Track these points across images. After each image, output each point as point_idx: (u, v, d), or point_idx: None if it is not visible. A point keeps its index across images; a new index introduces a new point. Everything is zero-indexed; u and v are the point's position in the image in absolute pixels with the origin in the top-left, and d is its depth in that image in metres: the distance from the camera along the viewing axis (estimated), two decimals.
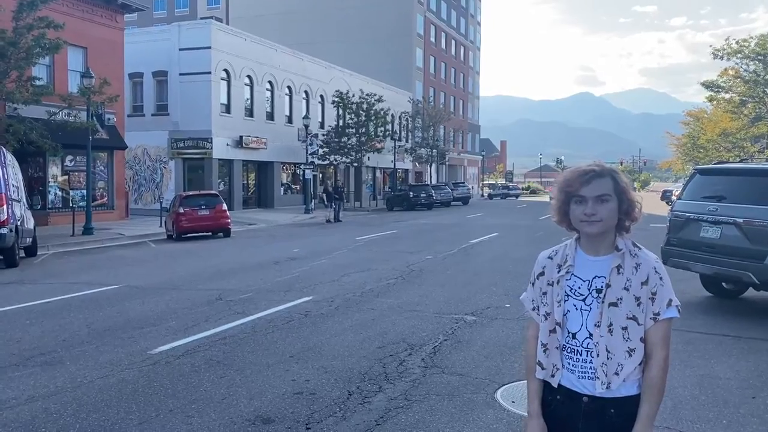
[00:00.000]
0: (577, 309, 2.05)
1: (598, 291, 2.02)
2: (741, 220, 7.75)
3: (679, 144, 61.49)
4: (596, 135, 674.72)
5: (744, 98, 38.91)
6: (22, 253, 15.29)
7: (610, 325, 1.99)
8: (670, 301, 2.01)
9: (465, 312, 8.17)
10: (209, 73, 32.44)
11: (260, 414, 4.64)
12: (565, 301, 2.07)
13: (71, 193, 25.30)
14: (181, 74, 32.76)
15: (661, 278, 2.01)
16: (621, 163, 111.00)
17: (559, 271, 2.11)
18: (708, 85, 39.96)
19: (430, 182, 51.51)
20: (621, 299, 1.99)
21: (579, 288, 2.06)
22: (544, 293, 2.15)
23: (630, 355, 1.99)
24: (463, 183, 55.68)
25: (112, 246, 18.54)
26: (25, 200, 16.16)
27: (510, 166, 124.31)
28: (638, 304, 1.99)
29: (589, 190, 2.01)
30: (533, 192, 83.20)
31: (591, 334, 2.01)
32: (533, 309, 2.19)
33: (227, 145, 33.49)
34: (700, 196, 8.48)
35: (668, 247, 8.80)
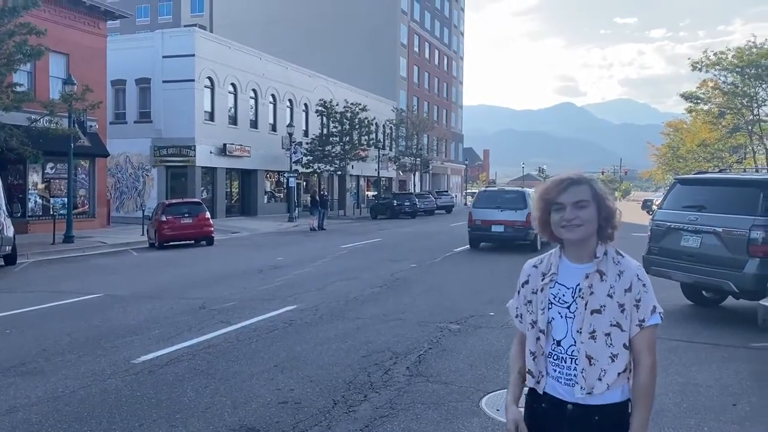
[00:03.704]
0: (561, 317, 2.07)
1: (582, 298, 2.04)
2: (720, 230, 7.88)
3: (659, 154, 62.29)
4: (578, 145, 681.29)
5: (722, 109, 39.55)
6: (1, 262, 15.06)
7: (593, 331, 2.01)
8: (654, 307, 2.03)
9: (449, 320, 8.19)
10: (193, 80, 32.29)
11: (245, 423, 4.61)
12: (549, 308, 2.09)
13: (51, 200, 24.98)
14: (164, 81, 32.57)
15: (644, 285, 2.03)
16: (602, 173, 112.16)
17: (543, 279, 2.14)
18: (687, 97, 40.57)
19: (414, 191, 51.66)
20: (604, 306, 2.00)
21: (563, 296, 2.07)
22: (529, 301, 2.17)
23: (613, 361, 2.00)
24: (447, 191, 55.87)
25: (94, 254, 18.32)
26: (5, 208, 15.93)
27: (493, 174, 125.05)
28: (622, 311, 2.01)
29: (567, 197, 2.05)
30: None
31: (575, 342, 2.03)
32: (516, 317, 2.23)
33: (210, 152, 33.31)
34: (681, 206, 8.60)
35: (649, 256, 8.91)
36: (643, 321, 2.02)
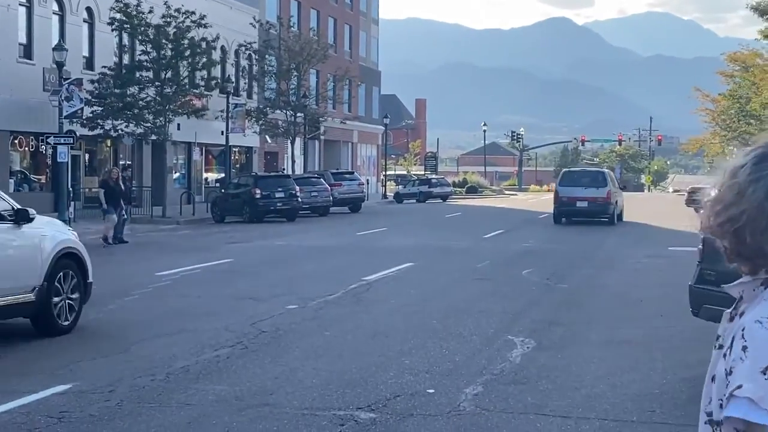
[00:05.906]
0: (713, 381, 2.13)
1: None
2: None
3: (716, 110, 65.06)
4: (579, 91, 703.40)
5: None
6: None
7: (710, 414, 2.05)
8: (739, 388, 1.93)
9: (357, 405, 8.26)
10: None
11: None
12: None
13: None
14: None
15: (744, 347, 1.98)
16: (620, 142, 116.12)
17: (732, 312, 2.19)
18: (764, 11, 42.36)
19: (293, 172, 51.66)
20: (716, 374, 2.07)
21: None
22: (717, 338, 2.20)
23: None
24: (352, 173, 56.29)
25: None
26: None
27: (433, 143, 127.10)
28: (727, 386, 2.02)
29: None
30: (473, 190, 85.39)
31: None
32: None
33: None
34: None
35: (700, 287, 9.24)
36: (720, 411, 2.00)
